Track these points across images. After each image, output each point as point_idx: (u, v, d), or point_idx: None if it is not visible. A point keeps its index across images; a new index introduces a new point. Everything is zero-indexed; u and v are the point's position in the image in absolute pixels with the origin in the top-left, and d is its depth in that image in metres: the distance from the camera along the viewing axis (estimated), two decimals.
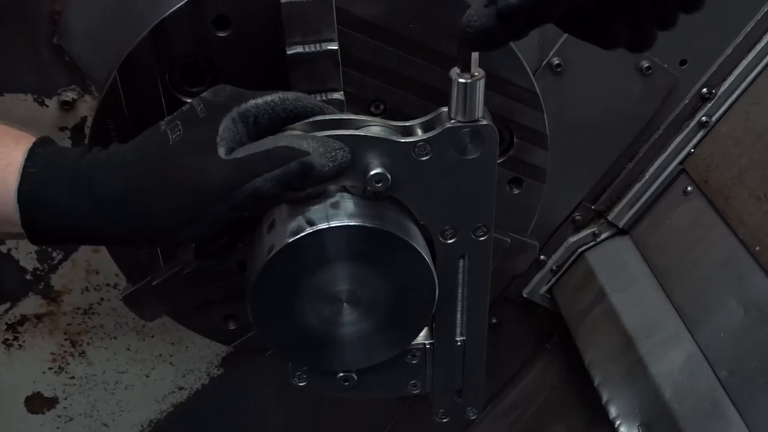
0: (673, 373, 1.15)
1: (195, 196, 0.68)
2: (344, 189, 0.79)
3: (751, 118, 1.19)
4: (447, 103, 0.75)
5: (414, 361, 0.90)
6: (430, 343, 0.90)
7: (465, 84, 0.72)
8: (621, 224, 1.34)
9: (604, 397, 1.23)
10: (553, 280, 1.39)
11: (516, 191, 0.98)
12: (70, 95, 1.11)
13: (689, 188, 1.25)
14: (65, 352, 1.33)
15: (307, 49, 0.84)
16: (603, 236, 1.36)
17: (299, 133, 0.73)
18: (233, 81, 0.77)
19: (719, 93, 1.23)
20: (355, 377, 0.89)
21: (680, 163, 1.27)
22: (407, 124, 0.79)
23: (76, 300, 1.28)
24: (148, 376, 1.39)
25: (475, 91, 0.73)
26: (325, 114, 0.76)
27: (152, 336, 1.34)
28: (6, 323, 1.28)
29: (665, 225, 1.28)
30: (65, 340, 1.32)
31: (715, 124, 1.24)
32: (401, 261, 0.78)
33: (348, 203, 0.77)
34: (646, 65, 1.19)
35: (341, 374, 0.89)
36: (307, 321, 0.80)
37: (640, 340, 1.22)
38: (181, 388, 1.41)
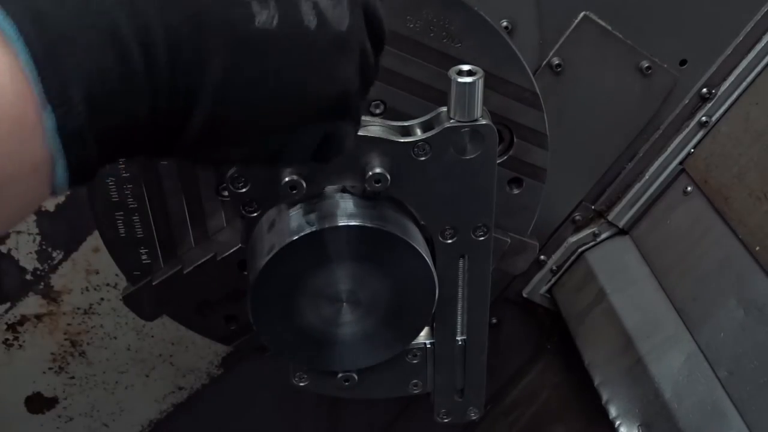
0: (673, 373, 1.15)
1: None
2: (344, 189, 0.78)
3: (751, 118, 1.19)
4: (446, 103, 0.75)
5: (415, 361, 0.90)
6: (430, 343, 0.90)
7: (464, 84, 0.72)
8: (621, 224, 1.34)
9: (604, 397, 1.23)
10: (553, 280, 1.39)
11: (516, 191, 0.98)
12: None
13: (689, 188, 1.25)
14: (65, 352, 1.33)
15: None
16: (603, 236, 1.35)
17: None
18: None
19: (719, 93, 1.23)
20: (356, 377, 0.89)
21: (680, 163, 1.27)
22: (406, 124, 0.79)
23: (76, 300, 1.28)
24: (148, 376, 1.39)
25: (474, 91, 0.73)
26: None
27: (152, 336, 1.34)
28: (6, 323, 1.28)
29: (665, 225, 1.28)
30: (65, 340, 1.32)
31: (715, 124, 1.24)
32: (401, 261, 0.78)
33: (348, 203, 0.77)
34: (646, 65, 1.19)
35: (342, 374, 0.89)
36: (308, 321, 0.80)
37: (640, 340, 1.22)
38: (181, 388, 1.41)
